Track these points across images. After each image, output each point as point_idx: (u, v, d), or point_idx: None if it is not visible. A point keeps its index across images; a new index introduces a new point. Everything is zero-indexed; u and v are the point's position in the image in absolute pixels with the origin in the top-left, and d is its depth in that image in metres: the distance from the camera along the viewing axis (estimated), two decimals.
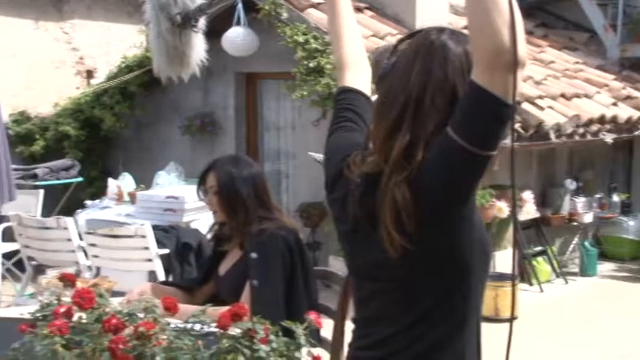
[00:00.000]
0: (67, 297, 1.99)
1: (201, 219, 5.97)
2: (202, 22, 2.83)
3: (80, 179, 7.87)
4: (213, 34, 6.54)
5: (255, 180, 3.07)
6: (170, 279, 5.41)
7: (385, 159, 1.55)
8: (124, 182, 7.10)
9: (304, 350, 1.96)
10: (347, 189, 1.65)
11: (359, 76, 1.90)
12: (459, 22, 6.73)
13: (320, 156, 4.92)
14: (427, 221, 1.51)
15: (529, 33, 8.83)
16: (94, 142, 8.42)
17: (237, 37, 6.59)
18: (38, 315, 1.93)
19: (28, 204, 6.69)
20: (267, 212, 3.04)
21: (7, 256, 6.60)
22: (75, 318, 1.93)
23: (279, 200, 8.06)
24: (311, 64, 6.43)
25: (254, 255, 2.92)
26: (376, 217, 1.55)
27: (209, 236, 3.29)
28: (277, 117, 7.95)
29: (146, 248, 5.43)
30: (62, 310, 1.90)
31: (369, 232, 1.59)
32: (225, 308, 2.00)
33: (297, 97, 6.59)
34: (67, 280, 2.13)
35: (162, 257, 5.49)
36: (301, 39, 6.51)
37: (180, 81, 6.70)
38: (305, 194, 7.34)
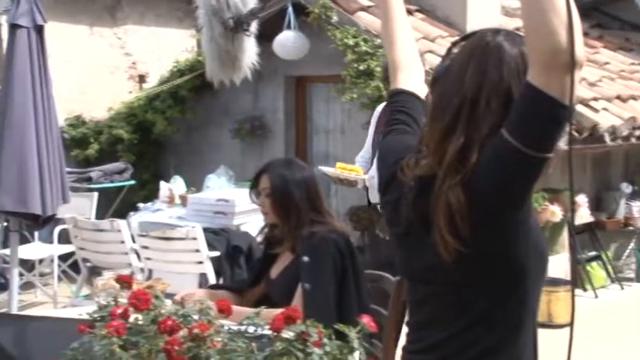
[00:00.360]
0: (124, 298, 2.03)
1: (252, 222, 6.01)
2: (254, 26, 2.85)
3: (133, 182, 7.99)
4: (264, 37, 6.59)
5: (307, 183, 3.09)
6: (220, 281, 5.46)
7: (439, 162, 1.54)
8: (176, 185, 7.19)
9: (357, 354, 1.96)
10: (400, 192, 1.64)
11: (412, 78, 1.90)
12: (511, 24, 6.65)
13: (330, 169, 4.82)
14: (481, 224, 1.50)
15: (584, 34, 8.68)
16: (146, 145, 8.53)
17: (288, 41, 6.62)
18: (96, 316, 1.97)
19: (83, 206, 6.82)
20: (319, 216, 3.05)
21: (63, 257, 6.74)
22: (131, 319, 1.96)
23: (328, 204, 8.03)
24: (361, 67, 6.43)
25: (305, 258, 2.93)
26: (430, 220, 1.54)
27: (259, 238, 3.31)
28: (326, 120, 7.96)
29: (197, 251, 5.49)
30: (119, 311, 1.93)
31: (422, 235, 1.58)
32: (278, 311, 2.02)
33: (346, 100, 6.59)
34: (124, 282, 2.17)
35: (213, 260, 5.55)
36: (351, 42, 6.51)
37: (230, 85, 6.77)
38: (354, 198, 7.32)
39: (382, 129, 4.37)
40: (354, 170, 4.43)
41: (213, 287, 3.43)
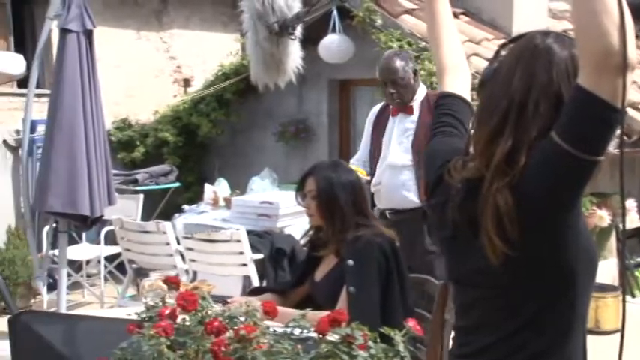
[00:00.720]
0: (171, 299, 2.05)
1: (295, 224, 6.03)
2: (299, 30, 2.86)
3: (178, 184, 8.06)
4: (309, 41, 6.60)
5: (353, 186, 3.09)
6: (264, 284, 5.49)
7: (486, 164, 1.54)
8: (220, 188, 7.25)
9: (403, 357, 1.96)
10: (447, 195, 1.64)
11: (458, 81, 1.90)
12: (558, 27, 6.57)
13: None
14: (530, 228, 1.49)
15: (636, 36, 8.53)
16: (190, 148, 8.61)
17: (332, 44, 6.63)
18: (144, 316, 1.99)
19: (129, 208, 6.90)
20: (364, 219, 3.05)
21: (110, 258, 6.83)
22: (179, 320, 1.98)
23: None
24: None
25: (350, 262, 2.93)
26: (477, 223, 1.54)
27: (303, 241, 3.32)
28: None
29: (241, 253, 5.53)
30: (167, 311, 1.96)
31: (469, 238, 1.58)
32: (324, 313, 2.02)
33: None
34: (172, 283, 2.19)
35: (257, 262, 5.58)
36: (395, 45, 6.49)
37: (275, 88, 6.79)
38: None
39: (373, 130, 4.34)
40: (357, 171, 4.37)
41: (255, 291, 3.44)
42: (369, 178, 4.31)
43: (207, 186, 7.29)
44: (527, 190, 1.48)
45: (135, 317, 2.02)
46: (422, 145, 4.08)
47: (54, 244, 5.36)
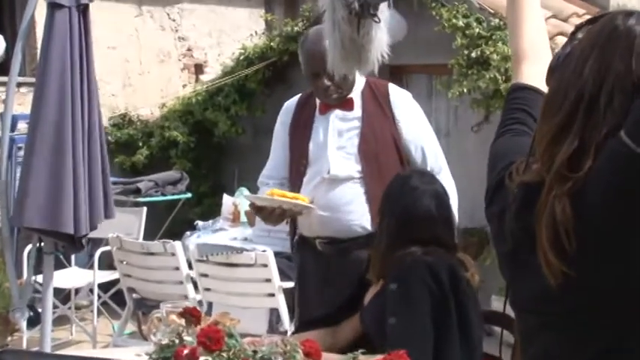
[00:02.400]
0: (190, 336, 2.06)
1: None
2: (385, 11, 2.81)
3: (189, 195, 8.11)
4: None
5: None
6: (295, 319, 5.49)
7: (548, 167, 1.56)
8: (241, 199, 7.26)
9: None
10: (505, 202, 1.67)
11: (538, 71, 1.91)
12: None
13: (263, 197, 3.99)
14: (591, 243, 1.50)
15: None
16: (205, 150, 8.68)
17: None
18: (157, 357, 2.01)
19: (129, 224, 6.91)
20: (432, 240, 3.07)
21: (104, 287, 6.86)
22: None
23: None
24: (473, 54, 6.40)
25: (393, 286, 2.95)
26: (534, 235, 1.56)
27: None
28: (427, 120, 7.92)
29: (267, 280, 5.54)
30: (186, 351, 1.97)
31: (528, 254, 1.60)
32: (378, 357, 2.02)
33: (453, 95, 6.56)
34: (191, 316, 2.20)
35: (286, 292, 5.58)
36: (461, 23, 6.49)
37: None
38: (461, 216, 7.24)
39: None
40: (298, 197, 3.98)
41: (301, 328, 3.47)
42: (310, 205, 3.83)
43: (225, 197, 7.32)
44: (589, 198, 1.49)
45: (146, 359, 2.04)
46: (372, 149, 3.86)
47: (37, 269, 5.40)
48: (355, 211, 3.84)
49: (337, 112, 3.96)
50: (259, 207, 3.86)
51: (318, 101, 4.02)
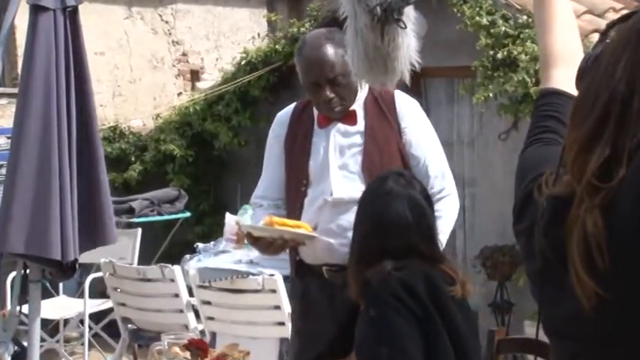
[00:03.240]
0: None
1: None
2: (411, 15, 2.78)
3: (188, 214, 8.11)
4: None
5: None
6: (293, 351, 5.49)
7: (579, 178, 1.55)
8: (245, 218, 7.26)
9: None
10: (534, 217, 1.66)
11: (570, 75, 1.90)
12: None
13: (260, 227, 3.89)
14: (625, 259, 1.49)
15: None
16: (204, 164, 8.69)
17: None
18: None
19: (123, 247, 6.88)
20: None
21: (96, 317, 6.86)
22: None
23: (452, 242, 8.02)
24: (499, 55, 6.41)
25: (372, 312, 2.99)
26: (566, 253, 1.55)
27: None
28: (449, 128, 7.93)
29: (277, 307, 5.54)
30: None
31: (559, 273, 1.59)
32: None
33: (478, 100, 6.57)
34: (197, 349, 2.20)
35: None
36: (485, 20, 6.50)
37: None
38: (489, 234, 7.28)
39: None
40: (300, 226, 3.88)
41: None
42: (314, 234, 3.79)
43: (228, 216, 7.32)
44: (621, 209, 1.48)
45: None
46: (377, 166, 3.80)
47: (22, 298, 5.40)
48: None
49: (339, 127, 3.92)
50: (256, 237, 3.81)
51: (316, 112, 3.97)
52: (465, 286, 3.07)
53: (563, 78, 1.92)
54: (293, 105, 4.16)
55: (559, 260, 1.57)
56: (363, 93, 3.93)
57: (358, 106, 3.92)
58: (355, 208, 3.61)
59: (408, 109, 3.92)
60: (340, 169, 3.87)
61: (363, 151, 3.87)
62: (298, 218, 3.86)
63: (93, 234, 4.60)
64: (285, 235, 3.74)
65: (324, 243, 3.82)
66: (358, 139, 3.89)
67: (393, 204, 3.11)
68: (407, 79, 2.73)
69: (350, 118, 3.91)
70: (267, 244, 3.78)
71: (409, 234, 3.07)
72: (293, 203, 3.97)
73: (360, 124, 3.91)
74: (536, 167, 1.77)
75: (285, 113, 4.16)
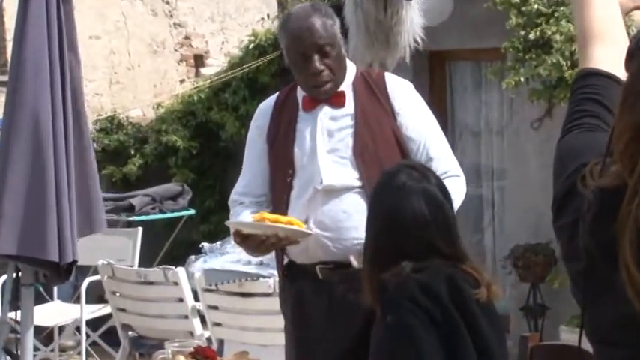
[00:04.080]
0: None
1: None
2: None
3: (192, 212, 8.12)
4: None
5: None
6: None
7: (630, 168, 1.55)
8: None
9: None
10: (578, 212, 1.66)
11: (611, 55, 1.90)
12: None
13: (247, 223, 3.82)
14: None
15: None
16: (209, 157, 8.72)
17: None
18: None
19: (122, 248, 6.93)
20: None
21: (94, 323, 6.89)
22: None
23: (479, 240, 8.02)
24: (531, 36, 6.41)
25: (390, 319, 2.98)
26: (615, 251, 1.55)
27: None
28: (476, 116, 7.94)
29: None
30: None
31: (608, 273, 1.59)
32: None
33: (508, 85, 6.56)
34: (204, 357, 2.22)
35: None
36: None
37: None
38: (520, 232, 7.27)
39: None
40: (292, 222, 3.70)
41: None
42: (310, 231, 3.72)
43: None
44: None
45: None
46: (370, 150, 3.80)
47: (13, 304, 5.43)
48: (359, 226, 3.62)
49: (326, 109, 3.88)
50: (245, 235, 3.73)
51: (300, 96, 3.93)
52: (491, 288, 3.06)
53: (604, 57, 1.90)
54: (275, 95, 4.14)
55: (607, 259, 1.57)
56: (351, 73, 3.89)
57: (347, 87, 3.88)
58: (348, 197, 3.67)
59: (401, 90, 3.89)
60: (329, 153, 3.83)
61: (355, 135, 3.83)
62: (285, 213, 3.78)
63: (89, 225, 4.61)
64: (279, 233, 3.65)
65: (315, 239, 3.76)
66: (348, 122, 3.85)
67: (407, 199, 3.09)
68: (408, 56, 2.72)
69: (338, 99, 3.87)
70: (257, 243, 3.71)
71: (427, 231, 3.06)
72: (279, 197, 3.91)
73: (350, 106, 3.86)
74: (578, 156, 1.76)
75: (267, 103, 4.13)
